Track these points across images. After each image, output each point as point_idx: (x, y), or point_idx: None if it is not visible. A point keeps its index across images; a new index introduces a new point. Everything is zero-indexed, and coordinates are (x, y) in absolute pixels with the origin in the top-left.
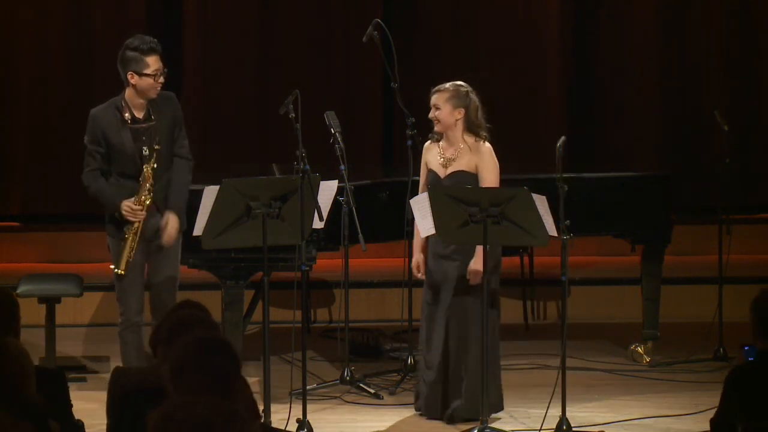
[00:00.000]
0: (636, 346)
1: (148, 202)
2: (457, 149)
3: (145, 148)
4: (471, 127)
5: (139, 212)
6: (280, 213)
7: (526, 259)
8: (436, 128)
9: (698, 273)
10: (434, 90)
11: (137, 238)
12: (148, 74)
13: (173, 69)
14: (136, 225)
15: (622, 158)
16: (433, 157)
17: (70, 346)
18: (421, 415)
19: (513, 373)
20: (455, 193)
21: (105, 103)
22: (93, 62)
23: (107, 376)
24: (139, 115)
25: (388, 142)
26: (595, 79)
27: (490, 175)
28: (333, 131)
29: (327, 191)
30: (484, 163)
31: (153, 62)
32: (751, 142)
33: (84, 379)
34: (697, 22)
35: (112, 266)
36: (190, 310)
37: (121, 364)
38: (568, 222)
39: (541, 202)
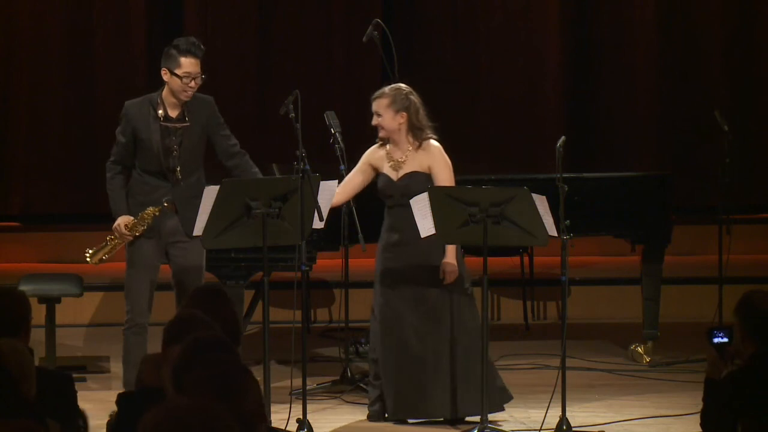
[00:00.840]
0: (636, 346)
1: (137, 233)
2: (405, 152)
3: (174, 147)
4: (413, 130)
5: (126, 236)
6: (280, 213)
7: (526, 259)
8: (380, 134)
9: (698, 273)
10: (374, 96)
11: (114, 250)
12: (178, 75)
13: None
14: (118, 241)
15: (622, 158)
16: (382, 161)
17: (70, 346)
18: (388, 418)
19: (513, 373)
20: (455, 193)
21: (140, 98)
22: (93, 63)
23: (107, 376)
24: (173, 114)
25: None
26: (595, 79)
27: (444, 174)
28: (333, 131)
29: (327, 191)
30: (437, 162)
31: (186, 64)
32: (751, 142)
33: (84, 379)
34: (697, 22)
35: (89, 250)
36: (191, 310)
37: (121, 364)
38: (568, 222)
39: (541, 202)
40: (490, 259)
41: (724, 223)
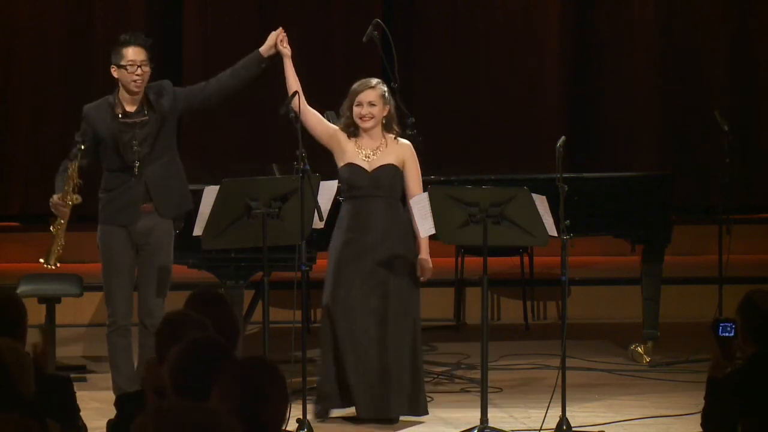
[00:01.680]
0: (636, 346)
1: (73, 202)
2: (379, 144)
3: (134, 142)
4: (389, 123)
5: (61, 208)
6: (280, 213)
7: (526, 259)
8: (366, 124)
9: (698, 273)
10: (366, 86)
11: (63, 235)
12: (123, 65)
13: (173, 69)
14: (60, 221)
15: (623, 158)
16: (351, 149)
17: (70, 346)
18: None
19: (513, 373)
20: (455, 193)
21: (98, 100)
22: (93, 62)
23: (107, 376)
24: (130, 108)
25: None
26: (595, 79)
27: (415, 171)
28: None
29: (327, 191)
30: (410, 159)
31: (129, 53)
32: (751, 142)
33: (84, 379)
34: (697, 22)
35: (41, 259)
36: (183, 310)
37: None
38: (568, 222)
39: (541, 202)
40: (490, 259)
41: (724, 223)
